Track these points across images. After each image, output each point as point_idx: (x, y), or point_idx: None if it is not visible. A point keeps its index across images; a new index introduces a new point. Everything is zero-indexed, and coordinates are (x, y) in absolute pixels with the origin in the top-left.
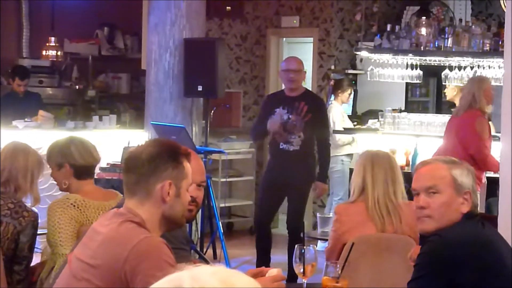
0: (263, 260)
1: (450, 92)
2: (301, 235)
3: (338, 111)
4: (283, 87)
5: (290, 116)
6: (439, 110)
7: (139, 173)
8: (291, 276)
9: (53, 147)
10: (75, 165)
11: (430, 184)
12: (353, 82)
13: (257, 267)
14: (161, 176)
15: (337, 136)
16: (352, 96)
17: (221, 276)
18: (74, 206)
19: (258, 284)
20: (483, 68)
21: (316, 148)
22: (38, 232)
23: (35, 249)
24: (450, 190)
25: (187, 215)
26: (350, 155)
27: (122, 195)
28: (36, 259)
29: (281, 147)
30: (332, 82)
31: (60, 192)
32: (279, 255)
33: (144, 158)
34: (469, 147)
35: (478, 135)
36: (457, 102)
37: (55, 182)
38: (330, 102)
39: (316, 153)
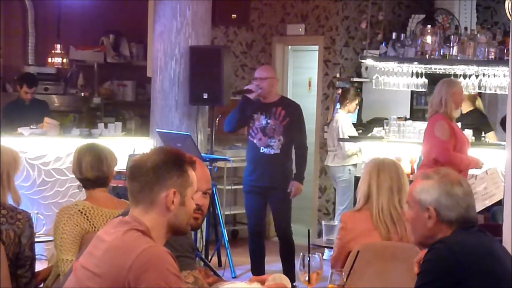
0: (258, 268)
1: None
2: (290, 239)
3: (346, 121)
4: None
5: (269, 121)
6: None
7: (144, 182)
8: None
9: (73, 157)
10: (80, 179)
11: (407, 199)
12: (358, 90)
13: (252, 275)
14: (166, 184)
15: (346, 146)
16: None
17: None
18: (82, 213)
19: None
20: (488, 76)
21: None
22: (45, 239)
23: (40, 257)
24: (416, 206)
25: (192, 223)
26: (356, 165)
27: None
28: (41, 266)
29: (261, 151)
30: (339, 91)
31: (66, 199)
32: (277, 263)
33: (149, 166)
34: (431, 151)
35: (436, 139)
36: (464, 111)
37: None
38: (336, 111)
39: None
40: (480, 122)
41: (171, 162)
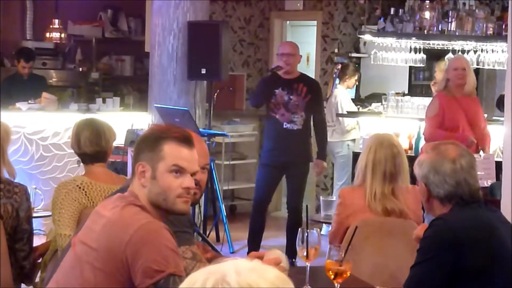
0: (256, 241)
1: (439, 75)
2: (301, 215)
3: (345, 96)
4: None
5: (291, 97)
6: None
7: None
8: (290, 256)
9: (72, 131)
10: (78, 154)
11: None
12: (356, 65)
13: (248, 248)
14: (138, 158)
15: (346, 121)
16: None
17: (258, 270)
18: (80, 188)
19: (286, 277)
20: (486, 52)
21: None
22: (43, 214)
23: (38, 231)
24: (417, 179)
25: (175, 201)
26: (354, 140)
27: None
28: (40, 241)
29: (284, 126)
30: (339, 67)
31: (64, 174)
32: (281, 238)
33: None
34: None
35: (426, 116)
36: None
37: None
38: (335, 86)
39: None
40: None
41: (148, 137)
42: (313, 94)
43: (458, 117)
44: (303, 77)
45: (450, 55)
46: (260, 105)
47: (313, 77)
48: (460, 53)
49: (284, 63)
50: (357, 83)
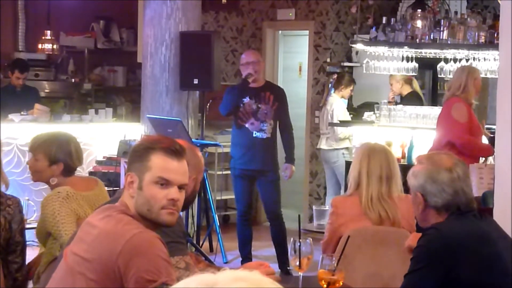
0: (246, 250)
1: (396, 86)
2: (282, 221)
3: (340, 105)
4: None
5: (260, 105)
6: (434, 102)
7: None
8: (281, 264)
9: (50, 141)
10: (69, 166)
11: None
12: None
13: (242, 258)
14: (128, 168)
15: (339, 129)
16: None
17: (252, 280)
18: (69, 198)
19: (281, 286)
20: (478, 60)
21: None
22: (33, 226)
23: (32, 243)
24: (411, 190)
25: (159, 212)
26: (347, 148)
27: (103, 183)
28: (33, 253)
29: (254, 135)
30: (335, 76)
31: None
32: (268, 248)
33: None
34: (446, 134)
35: (454, 121)
36: (404, 94)
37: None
38: (330, 95)
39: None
40: (417, 104)
41: (137, 147)
42: (279, 101)
43: (479, 125)
44: (269, 85)
45: (442, 63)
46: (231, 114)
47: (305, 87)
48: (452, 61)
49: (252, 70)
50: (352, 94)
